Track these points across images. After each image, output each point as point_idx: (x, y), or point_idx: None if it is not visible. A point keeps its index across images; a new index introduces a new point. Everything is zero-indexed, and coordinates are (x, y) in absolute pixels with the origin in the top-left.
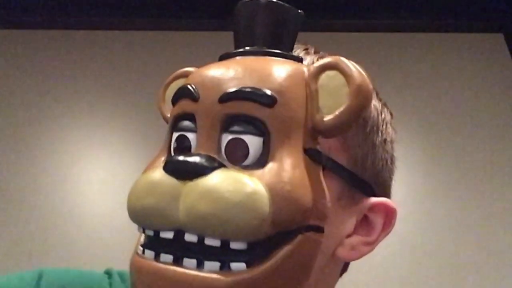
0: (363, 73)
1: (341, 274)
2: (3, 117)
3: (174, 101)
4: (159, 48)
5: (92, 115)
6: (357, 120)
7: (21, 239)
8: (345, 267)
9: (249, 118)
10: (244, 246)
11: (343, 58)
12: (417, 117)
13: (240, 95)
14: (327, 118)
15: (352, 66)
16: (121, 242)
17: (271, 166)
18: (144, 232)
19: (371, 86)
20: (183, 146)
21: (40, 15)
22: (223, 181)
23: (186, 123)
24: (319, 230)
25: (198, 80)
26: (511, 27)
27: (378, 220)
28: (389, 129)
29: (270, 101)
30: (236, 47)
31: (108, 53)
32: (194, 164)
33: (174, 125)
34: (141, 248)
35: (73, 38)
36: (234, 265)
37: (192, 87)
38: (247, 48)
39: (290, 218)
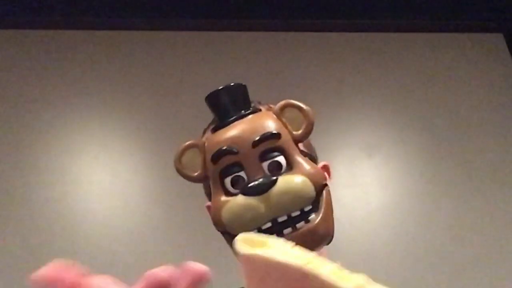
0: (307, 105)
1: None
2: (3, 117)
3: (216, 159)
4: (159, 48)
5: (92, 115)
6: (312, 130)
7: (21, 239)
8: None
9: (274, 148)
10: (310, 207)
11: (290, 100)
12: (417, 117)
13: (264, 139)
14: (298, 133)
15: (299, 103)
16: (121, 242)
17: (297, 166)
18: None
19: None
20: (239, 180)
21: (40, 15)
22: (286, 183)
23: (235, 168)
24: (327, 185)
25: (227, 143)
26: (511, 27)
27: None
28: None
29: (279, 136)
30: (224, 118)
31: (108, 53)
32: (266, 182)
33: (225, 172)
34: None
35: (73, 38)
36: (311, 217)
37: (229, 147)
38: (233, 117)
39: (319, 183)
